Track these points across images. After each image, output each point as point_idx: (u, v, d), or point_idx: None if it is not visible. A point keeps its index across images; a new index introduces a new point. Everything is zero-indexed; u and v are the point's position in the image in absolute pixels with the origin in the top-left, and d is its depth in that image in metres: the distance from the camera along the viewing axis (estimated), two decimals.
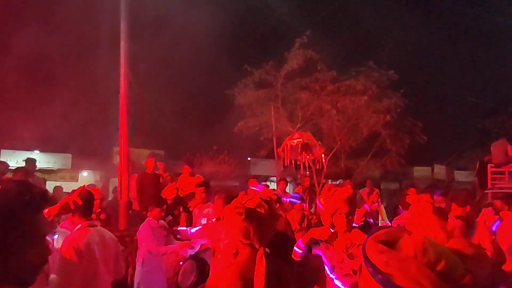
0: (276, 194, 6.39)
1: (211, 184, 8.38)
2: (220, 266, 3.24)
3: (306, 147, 7.34)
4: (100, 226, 5.62)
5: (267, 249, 1.81)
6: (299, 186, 8.68)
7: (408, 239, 0.90)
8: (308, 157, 7.78)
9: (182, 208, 6.04)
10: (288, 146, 7.18)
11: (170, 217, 5.83)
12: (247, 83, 12.40)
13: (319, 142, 8.11)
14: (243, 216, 1.84)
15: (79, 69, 15.09)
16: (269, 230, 1.89)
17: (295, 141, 7.05)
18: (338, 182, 18.23)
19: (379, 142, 13.65)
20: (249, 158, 20.24)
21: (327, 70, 11.44)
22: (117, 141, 7.62)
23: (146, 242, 4.41)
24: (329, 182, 14.86)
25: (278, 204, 5.99)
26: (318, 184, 10.81)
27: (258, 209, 1.89)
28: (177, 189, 6.10)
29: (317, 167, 8.41)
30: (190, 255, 4.46)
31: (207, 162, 10.87)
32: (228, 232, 1.95)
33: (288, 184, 9.59)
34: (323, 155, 8.01)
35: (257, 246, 1.81)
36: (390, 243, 0.91)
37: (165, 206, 4.73)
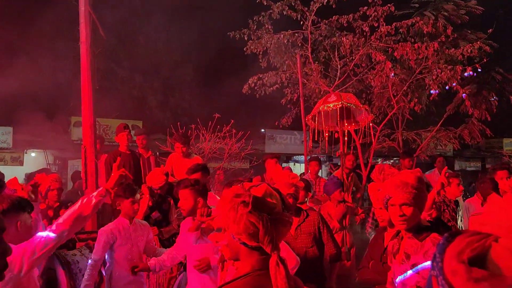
0: (306, 180, 6.38)
1: (211, 168, 8.40)
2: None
3: (347, 113, 7.26)
4: None
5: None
6: (338, 169, 8.66)
7: (502, 251, 0.88)
8: (350, 127, 7.73)
9: (174, 201, 6.09)
10: (322, 112, 7.12)
11: (157, 214, 5.90)
12: (262, 22, 12.23)
13: (366, 106, 8.01)
14: (249, 208, 1.82)
15: (23, 8, 15.11)
16: (283, 230, 1.90)
17: (331, 105, 6.97)
18: (392, 161, 18.22)
19: (454, 105, 13.46)
20: (263, 130, 20.27)
21: (379, 3, 11.17)
22: (77, 109, 7.64)
23: (97, 259, 4.50)
24: (381, 162, 14.77)
25: (310, 194, 6.01)
26: (366, 165, 10.82)
27: (269, 199, 1.89)
28: (167, 174, 6.13)
29: (363, 141, 8.34)
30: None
31: (206, 136, 10.85)
32: (225, 231, 1.94)
33: (322, 165, 9.59)
34: (371, 124, 7.93)
35: (268, 250, 1.81)
36: (478, 260, 0.88)
37: (137, 196, 4.78)
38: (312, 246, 4.68)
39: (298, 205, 5.64)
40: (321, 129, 7.35)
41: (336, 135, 7.51)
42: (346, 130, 7.67)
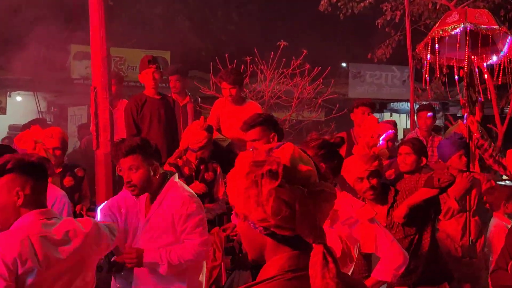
0: (417, 139, 6.24)
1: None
2: None
3: (475, 40, 7.02)
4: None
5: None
6: (459, 122, 8.45)
7: None
8: (481, 60, 7.47)
9: (221, 167, 6.14)
10: (436, 38, 6.92)
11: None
12: None
13: (505, 29, 7.69)
14: (279, 180, 1.77)
15: None
16: (326, 207, 1.88)
17: (449, 27, 6.76)
18: None
19: None
20: (344, 65, 20.03)
21: None
22: (79, 34, 7.66)
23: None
24: None
25: (425, 160, 5.87)
26: (503, 119, 10.52)
27: (301, 165, 1.85)
28: (209, 129, 6.14)
29: (501, 82, 8.03)
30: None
31: (266, 73, 10.80)
32: (245, 212, 1.87)
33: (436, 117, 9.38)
34: None
35: (310, 240, 1.79)
36: None
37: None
38: (417, 232, 4.61)
39: (406, 175, 5.51)
40: (436, 64, 7.16)
41: (461, 74, 7.28)
42: (474, 66, 7.42)
